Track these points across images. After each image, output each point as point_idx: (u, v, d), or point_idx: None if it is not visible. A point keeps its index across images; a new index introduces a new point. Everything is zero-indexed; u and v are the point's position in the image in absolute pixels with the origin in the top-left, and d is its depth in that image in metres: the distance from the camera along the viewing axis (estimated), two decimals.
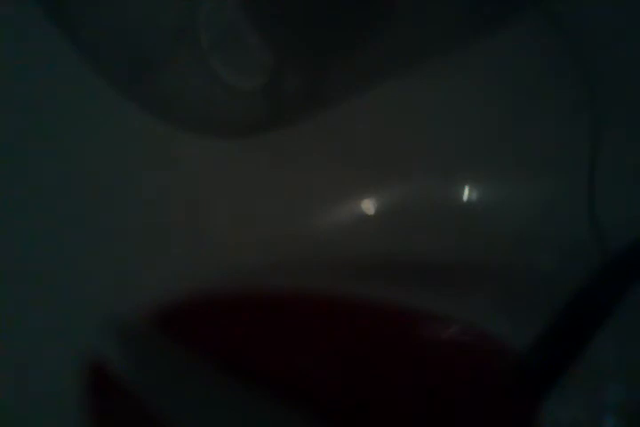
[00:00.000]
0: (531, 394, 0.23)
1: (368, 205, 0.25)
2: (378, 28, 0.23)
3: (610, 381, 0.24)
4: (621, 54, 0.25)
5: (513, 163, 0.25)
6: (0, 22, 0.24)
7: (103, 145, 0.24)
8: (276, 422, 0.23)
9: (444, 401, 0.23)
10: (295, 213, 0.25)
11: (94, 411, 0.23)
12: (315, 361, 0.23)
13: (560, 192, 0.25)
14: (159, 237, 0.24)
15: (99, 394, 0.23)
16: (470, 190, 0.25)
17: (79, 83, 0.24)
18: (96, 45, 0.23)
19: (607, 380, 0.24)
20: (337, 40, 0.23)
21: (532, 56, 0.25)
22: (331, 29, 0.23)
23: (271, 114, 0.24)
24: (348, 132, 0.25)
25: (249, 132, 0.24)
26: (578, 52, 0.24)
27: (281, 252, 0.24)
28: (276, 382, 0.23)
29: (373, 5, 0.22)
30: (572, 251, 0.24)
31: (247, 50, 0.23)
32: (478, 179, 0.25)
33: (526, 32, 0.24)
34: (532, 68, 0.25)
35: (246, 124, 0.24)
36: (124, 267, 0.24)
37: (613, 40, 0.24)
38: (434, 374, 0.23)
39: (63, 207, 0.24)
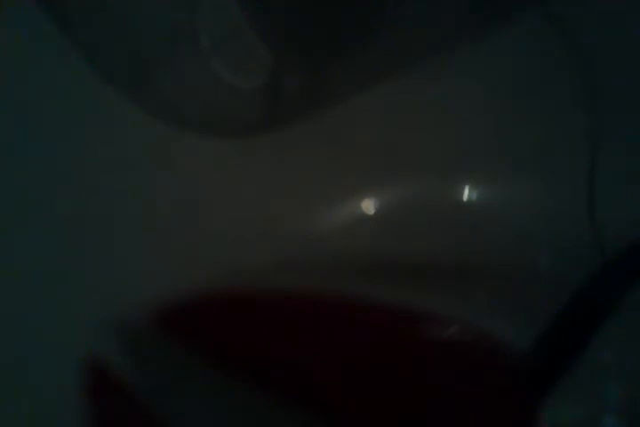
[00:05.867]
0: (531, 394, 0.23)
1: (368, 205, 0.25)
2: (378, 28, 0.23)
3: (610, 381, 0.24)
4: (621, 54, 0.25)
5: (513, 163, 0.25)
6: (0, 22, 0.24)
7: (103, 145, 0.24)
8: (277, 422, 0.23)
9: (444, 401, 0.23)
10: (295, 213, 0.25)
11: (94, 411, 0.23)
12: (315, 361, 0.23)
13: (560, 192, 0.25)
14: (159, 237, 0.24)
15: (99, 394, 0.23)
16: (470, 190, 0.25)
17: (79, 83, 0.24)
18: (96, 45, 0.23)
19: (607, 380, 0.24)
20: (337, 40, 0.23)
21: (532, 56, 0.25)
22: (331, 29, 0.23)
23: (271, 114, 0.24)
24: (348, 132, 0.25)
25: (249, 132, 0.24)
26: (578, 51, 0.24)
27: (281, 252, 0.24)
28: (275, 381, 0.23)
29: (373, 5, 0.22)
30: (572, 251, 0.24)
31: (247, 50, 0.23)
32: (478, 179, 0.25)
33: (526, 32, 0.24)
34: (531, 68, 0.25)
35: (246, 124, 0.24)
36: (124, 267, 0.24)
37: (613, 40, 0.24)
38: (434, 374, 0.23)
39: (63, 207, 0.24)
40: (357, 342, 0.23)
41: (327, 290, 0.24)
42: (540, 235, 0.25)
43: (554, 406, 0.23)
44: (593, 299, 0.23)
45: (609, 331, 0.23)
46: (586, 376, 0.23)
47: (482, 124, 0.25)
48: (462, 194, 0.25)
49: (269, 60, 0.23)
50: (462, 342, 0.23)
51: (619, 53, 0.25)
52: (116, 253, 0.24)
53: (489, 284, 0.24)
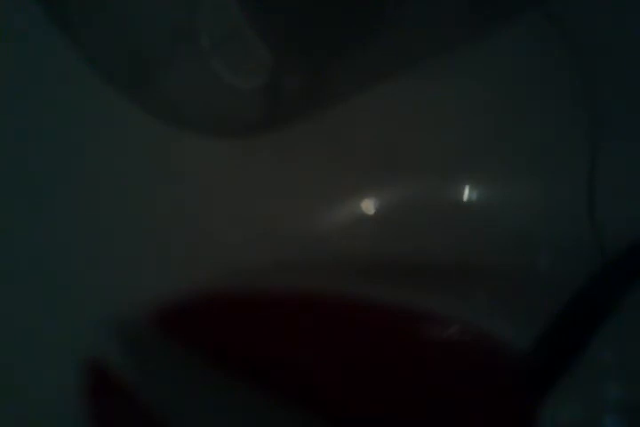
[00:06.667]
0: (531, 394, 0.23)
1: (368, 205, 0.25)
2: (378, 28, 0.23)
3: (610, 381, 0.24)
4: (621, 54, 0.25)
5: (513, 163, 0.25)
6: (0, 22, 0.24)
7: (103, 145, 0.24)
8: (277, 422, 0.23)
9: (444, 401, 0.23)
10: (295, 213, 0.25)
11: (94, 411, 0.23)
12: (315, 361, 0.23)
13: (560, 192, 0.25)
14: (159, 237, 0.24)
15: (99, 394, 0.23)
16: (470, 190, 0.25)
17: (79, 83, 0.24)
18: (96, 45, 0.23)
19: (607, 380, 0.24)
20: (337, 40, 0.23)
21: (531, 56, 0.25)
22: (330, 29, 0.23)
23: (271, 114, 0.24)
24: (348, 132, 0.25)
25: (249, 132, 0.24)
26: (578, 52, 0.24)
27: (281, 252, 0.24)
28: (275, 381, 0.23)
29: (373, 5, 0.22)
30: (572, 251, 0.24)
31: (247, 50, 0.23)
32: (478, 179, 0.25)
33: (526, 32, 0.24)
34: (532, 68, 0.25)
35: (246, 124, 0.24)
36: (124, 267, 0.24)
37: (613, 40, 0.24)
38: (434, 374, 0.23)
39: (63, 207, 0.24)
40: (357, 342, 0.23)
41: (327, 290, 0.24)
42: (540, 235, 0.25)
43: (554, 406, 0.23)
44: (593, 299, 0.23)
45: (609, 331, 0.23)
46: (586, 376, 0.23)
47: (482, 124, 0.25)
48: (462, 194, 0.25)
49: (269, 60, 0.23)
50: (462, 342, 0.23)
51: (619, 53, 0.25)
52: (116, 253, 0.24)
53: (489, 284, 0.24)
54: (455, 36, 0.24)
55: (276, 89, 0.24)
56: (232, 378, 0.23)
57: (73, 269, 0.24)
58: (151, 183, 0.25)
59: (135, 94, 0.23)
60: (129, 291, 0.24)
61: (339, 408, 0.23)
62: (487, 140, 0.25)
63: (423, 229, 0.25)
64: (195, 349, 0.23)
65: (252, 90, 0.24)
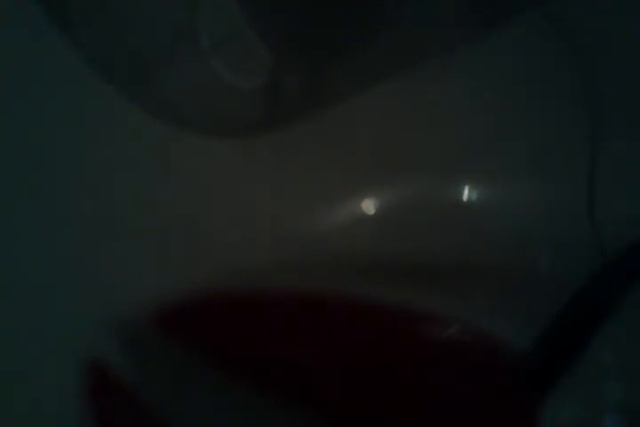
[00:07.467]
0: (531, 394, 0.23)
1: (368, 205, 0.25)
2: (378, 28, 0.23)
3: (610, 381, 0.24)
4: (621, 54, 0.25)
5: (513, 163, 0.25)
6: (0, 22, 0.24)
7: (103, 145, 0.24)
8: (277, 422, 0.23)
9: (444, 401, 0.23)
10: (295, 213, 0.25)
11: (94, 411, 0.23)
12: (315, 361, 0.23)
13: (560, 192, 0.25)
14: (159, 237, 0.24)
15: (99, 394, 0.23)
16: (470, 190, 0.25)
17: (79, 83, 0.24)
18: (96, 45, 0.23)
19: (607, 380, 0.24)
20: (337, 40, 0.23)
21: (532, 56, 0.25)
22: (330, 29, 0.23)
23: (271, 114, 0.24)
24: (348, 132, 0.25)
25: (249, 132, 0.24)
26: (578, 52, 0.24)
27: (281, 252, 0.24)
28: (275, 381, 0.23)
29: (373, 5, 0.22)
30: (572, 251, 0.24)
31: (247, 50, 0.23)
32: (478, 179, 0.25)
33: (526, 32, 0.24)
34: (531, 68, 0.25)
35: (246, 124, 0.24)
36: (124, 267, 0.24)
37: (613, 40, 0.24)
38: (434, 374, 0.23)
39: (63, 207, 0.24)
40: (357, 342, 0.23)
41: (327, 290, 0.24)
42: (540, 235, 0.25)
43: (554, 406, 0.23)
44: (593, 299, 0.23)
45: (609, 331, 0.23)
46: (586, 376, 0.23)
47: (482, 124, 0.25)
48: (462, 194, 0.25)
49: (269, 60, 0.23)
50: (462, 342, 0.23)
51: (619, 53, 0.25)
52: (116, 253, 0.24)
53: (489, 284, 0.24)
54: (455, 36, 0.24)
55: (276, 89, 0.24)
56: (232, 378, 0.23)
57: (73, 268, 0.24)
58: (151, 183, 0.25)
59: (135, 94, 0.23)
60: (129, 291, 0.24)
61: (339, 408, 0.23)
62: (487, 140, 0.25)
63: (423, 229, 0.25)
64: (195, 349, 0.23)
65: (252, 90, 0.24)
